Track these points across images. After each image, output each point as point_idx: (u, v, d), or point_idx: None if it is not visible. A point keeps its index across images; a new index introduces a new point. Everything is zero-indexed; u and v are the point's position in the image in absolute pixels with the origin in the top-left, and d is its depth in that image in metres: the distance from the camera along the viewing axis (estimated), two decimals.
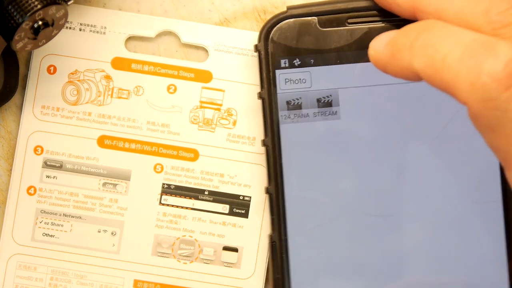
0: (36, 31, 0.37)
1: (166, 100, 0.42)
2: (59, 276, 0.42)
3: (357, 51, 0.40)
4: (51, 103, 0.42)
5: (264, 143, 0.40)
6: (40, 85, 0.42)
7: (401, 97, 0.40)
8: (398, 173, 0.40)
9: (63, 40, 0.39)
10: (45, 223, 0.42)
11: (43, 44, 0.38)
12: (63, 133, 0.42)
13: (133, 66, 0.42)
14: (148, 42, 0.43)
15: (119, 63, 0.42)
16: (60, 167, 0.42)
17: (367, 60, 0.39)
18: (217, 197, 0.42)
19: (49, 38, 0.38)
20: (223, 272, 0.42)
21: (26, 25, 0.37)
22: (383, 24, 0.40)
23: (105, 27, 0.42)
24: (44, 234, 0.42)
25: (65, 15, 0.38)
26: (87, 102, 0.42)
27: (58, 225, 0.42)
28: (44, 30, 0.37)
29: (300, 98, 0.40)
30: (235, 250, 0.42)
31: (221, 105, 0.42)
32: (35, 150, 0.42)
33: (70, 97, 0.42)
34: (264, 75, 0.40)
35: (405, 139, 0.40)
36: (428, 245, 0.40)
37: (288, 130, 0.40)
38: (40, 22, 0.37)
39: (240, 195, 0.42)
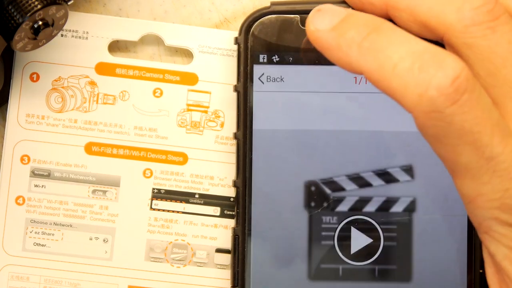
0: (36, 31, 0.37)
1: (153, 104, 0.42)
2: (52, 285, 0.42)
3: None
4: (35, 111, 0.42)
5: (235, 136, 0.40)
6: (24, 93, 0.42)
7: (377, 103, 0.40)
8: (365, 181, 0.40)
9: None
10: (35, 232, 0.42)
11: (43, 44, 0.38)
12: (49, 141, 0.42)
13: (118, 71, 0.42)
14: (132, 46, 0.43)
15: (103, 68, 0.42)
16: (48, 175, 0.42)
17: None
18: (207, 199, 0.42)
19: (49, 38, 0.38)
20: (217, 274, 0.42)
21: (26, 25, 0.36)
22: None
23: (87, 32, 0.42)
24: (35, 244, 0.42)
25: (65, 15, 0.37)
26: (72, 109, 0.42)
27: (49, 234, 0.42)
28: (44, 30, 0.37)
29: None
30: (228, 252, 0.42)
31: (208, 107, 0.42)
32: (22, 159, 0.42)
33: (55, 105, 0.42)
34: (242, 68, 0.40)
35: (377, 147, 0.40)
36: (391, 253, 0.40)
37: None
38: (40, 22, 0.37)
39: (230, 197, 0.42)
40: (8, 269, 0.42)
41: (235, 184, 0.40)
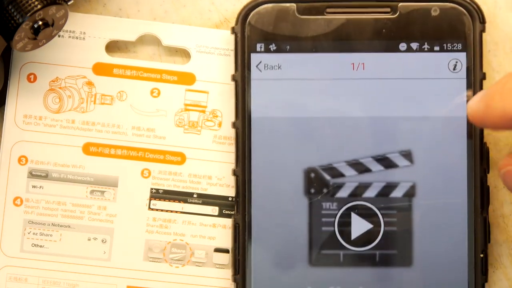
0: (36, 31, 0.37)
1: (150, 104, 0.42)
2: (51, 286, 0.41)
3: (333, 41, 0.40)
4: (33, 112, 0.42)
5: (234, 125, 0.41)
6: (21, 94, 0.42)
7: (375, 89, 0.40)
8: (364, 167, 0.41)
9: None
10: (33, 233, 0.42)
11: (43, 44, 0.38)
12: (47, 142, 0.42)
13: (115, 71, 0.42)
14: (129, 46, 0.43)
15: (101, 69, 0.42)
16: (46, 176, 0.42)
17: (342, 51, 0.40)
18: (206, 199, 0.42)
19: (49, 38, 0.38)
20: (215, 274, 0.42)
21: (26, 25, 0.36)
22: (361, 16, 0.40)
23: (84, 33, 0.42)
24: (33, 245, 0.42)
25: (65, 15, 0.37)
26: (70, 110, 0.42)
27: (47, 235, 0.42)
28: (44, 30, 0.37)
29: None
30: (226, 251, 0.42)
31: (205, 107, 0.42)
32: (19, 160, 0.42)
33: (52, 105, 0.42)
34: (239, 57, 0.40)
35: (376, 132, 0.40)
36: (391, 238, 0.41)
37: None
38: (40, 22, 0.37)
39: (229, 196, 0.42)
40: (6, 270, 0.42)
41: (234, 173, 0.40)
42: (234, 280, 0.40)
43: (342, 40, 0.40)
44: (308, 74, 0.40)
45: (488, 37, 0.42)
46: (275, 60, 0.40)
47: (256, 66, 0.40)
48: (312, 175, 0.40)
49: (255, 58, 0.40)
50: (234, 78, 0.41)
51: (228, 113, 0.42)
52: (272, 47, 0.40)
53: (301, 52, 0.40)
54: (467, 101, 0.40)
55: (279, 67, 0.40)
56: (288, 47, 0.40)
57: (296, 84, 0.40)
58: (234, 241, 0.40)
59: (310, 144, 0.40)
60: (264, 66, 0.40)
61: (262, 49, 0.40)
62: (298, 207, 0.40)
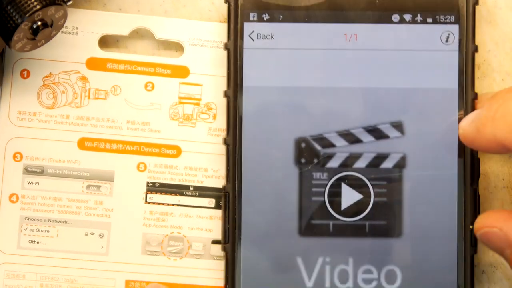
0: (35, 32, 0.37)
1: (145, 98, 0.42)
2: (49, 282, 0.41)
3: (326, 11, 0.41)
4: (27, 108, 0.42)
5: (225, 94, 0.41)
6: (14, 90, 0.42)
7: (367, 60, 0.41)
8: (355, 137, 0.41)
9: None
10: (30, 230, 0.42)
11: (42, 44, 0.38)
12: (42, 138, 0.42)
13: (109, 65, 0.42)
14: (122, 40, 0.43)
15: (94, 63, 0.42)
16: (41, 172, 0.42)
17: (335, 21, 0.41)
18: (202, 191, 0.42)
19: (48, 38, 0.38)
20: (213, 266, 0.42)
21: (25, 26, 0.36)
22: None
23: (77, 28, 0.42)
24: (30, 241, 0.42)
25: (64, 15, 0.37)
26: (64, 105, 0.42)
27: (43, 231, 0.42)
28: (43, 31, 0.37)
29: None
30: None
31: (200, 99, 0.42)
32: (14, 156, 0.42)
33: (46, 101, 0.42)
34: (232, 26, 0.41)
35: (367, 103, 0.41)
36: (381, 209, 0.41)
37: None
38: (39, 23, 0.37)
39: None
40: (3, 268, 0.41)
41: (225, 142, 0.41)
42: (224, 249, 0.41)
43: (335, 10, 0.41)
44: (300, 44, 0.41)
45: (488, 37, 0.42)
46: (267, 30, 0.41)
47: (249, 35, 0.41)
48: (303, 145, 0.41)
49: (247, 27, 0.41)
50: (226, 46, 0.41)
51: (222, 106, 0.42)
52: (265, 16, 0.41)
53: (294, 21, 0.41)
54: (460, 119, 0.40)
55: (271, 37, 0.41)
56: (281, 16, 0.41)
57: (288, 53, 0.41)
58: (224, 210, 0.41)
59: (301, 114, 0.41)
60: (257, 36, 0.41)
61: (255, 18, 0.41)
62: (288, 176, 0.41)
